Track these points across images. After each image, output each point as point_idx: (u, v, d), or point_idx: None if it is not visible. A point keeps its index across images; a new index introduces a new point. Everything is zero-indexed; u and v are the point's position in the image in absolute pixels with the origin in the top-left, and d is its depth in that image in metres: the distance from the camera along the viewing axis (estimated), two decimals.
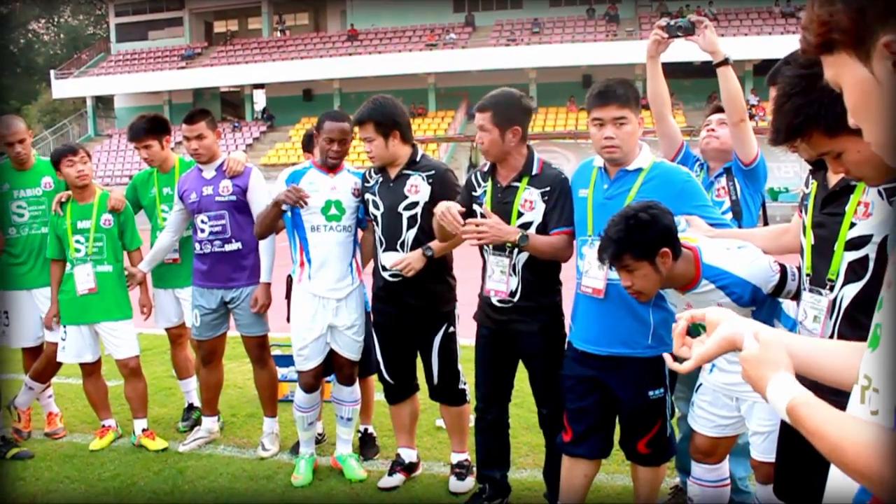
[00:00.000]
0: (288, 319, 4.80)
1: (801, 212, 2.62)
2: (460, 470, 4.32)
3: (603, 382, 3.42)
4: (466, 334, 4.23)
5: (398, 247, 4.11)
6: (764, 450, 3.01)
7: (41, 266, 5.11)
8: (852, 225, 2.31)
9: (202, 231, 4.80)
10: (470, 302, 4.06)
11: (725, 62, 3.52)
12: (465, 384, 4.31)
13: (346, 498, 4.27)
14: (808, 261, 2.50)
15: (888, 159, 1.12)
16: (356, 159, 19.46)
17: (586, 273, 3.38)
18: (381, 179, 4.20)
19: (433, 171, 4.12)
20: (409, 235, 4.09)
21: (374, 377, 4.71)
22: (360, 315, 4.44)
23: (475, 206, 3.79)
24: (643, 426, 3.43)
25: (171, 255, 5.18)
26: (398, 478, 4.39)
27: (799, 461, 2.42)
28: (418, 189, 4.08)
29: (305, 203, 4.16)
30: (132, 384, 5.05)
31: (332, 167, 4.36)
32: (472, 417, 4.24)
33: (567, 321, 3.70)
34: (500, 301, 3.73)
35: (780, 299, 2.94)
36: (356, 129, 4.22)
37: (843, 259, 2.33)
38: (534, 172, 3.65)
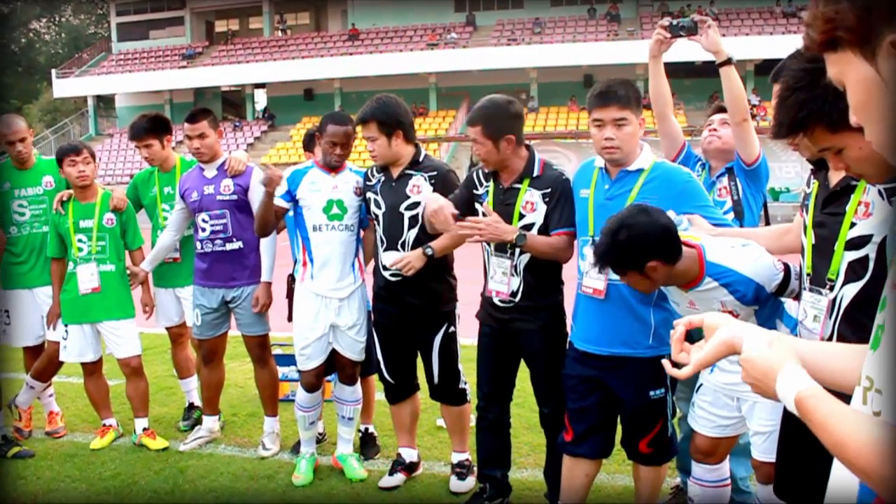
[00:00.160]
0: (289, 319, 4.81)
1: (802, 211, 2.62)
2: (461, 469, 4.32)
3: (604, 382, 3.42)
4: (467, 334, 4.24)
5: (399, 246, 4.11)
6: (765, 450, 3.01)
7: (42, 265, 5.11)
8: (852, 225, 2.31)
9: (203, 230, 4.80)
10: (471, 301, 4.06)
11: (728, 62, 3.51)
12: (465, 384, 4.31)
13: (347, 497, 4.27)
14: (809, 260, 2.50)
15: (890, 158, 1.11)
16: (356, 159, 19.46)
17: (587, 273, 3.38)
18: (383, 179, 4.20)
19: (435, 172, 4.12)
20: (411, 235, 4.09)
21: (375, 377, 4.71)
22: (363, 315, 4.44)
23: (476, 205, 3.80)
24: (644, 426, 3.44)
25: (171, 255, 5.18)
26: (399, 477, 4.39)
27: (800, 461, 2.43)
28: (420, 189, 4.08)
29: (277, 179, 4.16)
30: (133, 383, 5.06)
31: (334, 168, 4.36)
32: (473, 417, 4.24)
33: (569, 321, 3.70)
34: (501, 301, 3.73)
35: (783, 299, 2.94)
36: (359, 128, 4.21)
37: (843, 259, 2.33)
38: (535, 174, 3.65)
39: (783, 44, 24.89)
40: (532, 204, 3.62)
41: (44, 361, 5.17)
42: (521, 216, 3.63)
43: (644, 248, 2.76)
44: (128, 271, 5.02)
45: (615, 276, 3.07)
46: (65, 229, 4.87)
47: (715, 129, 3.86)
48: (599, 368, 3.40)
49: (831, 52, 1.11)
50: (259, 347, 4.94)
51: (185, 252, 5.18)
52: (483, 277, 3.89)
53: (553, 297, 3.75)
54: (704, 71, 22.44)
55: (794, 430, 1.26)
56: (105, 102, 43.82)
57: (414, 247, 4.06)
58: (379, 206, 4.17)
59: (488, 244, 3.73)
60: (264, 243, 4.75)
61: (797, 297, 2.74)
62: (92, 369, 5.06)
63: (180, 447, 4.96)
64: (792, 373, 1.30)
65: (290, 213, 4.49)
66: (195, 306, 4.91)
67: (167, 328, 5.44)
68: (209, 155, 4.82)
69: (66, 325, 4.92)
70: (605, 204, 3.30)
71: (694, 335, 1.63)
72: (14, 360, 5.71)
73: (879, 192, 2.22)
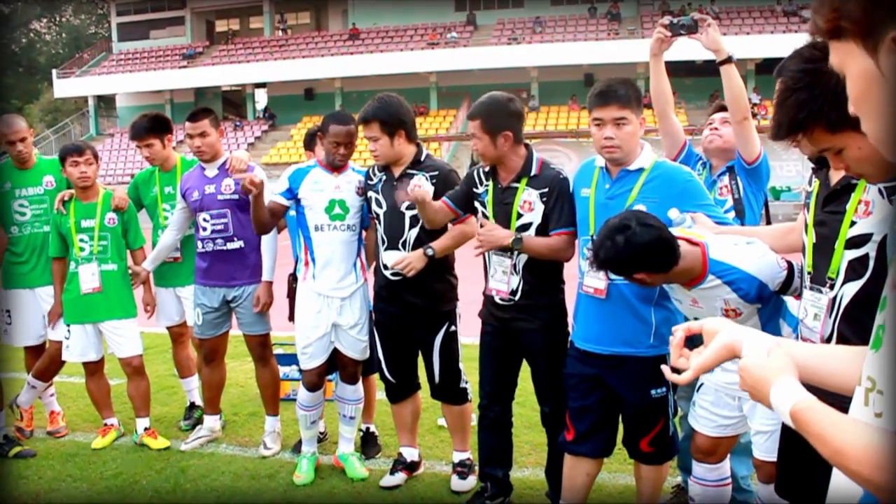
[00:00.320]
0: (290, 318, 4.81)
1: (804, 210, 2.62)
2: (462, 469, 4.32)
3: (605, 381, 3.43)
4: (468, 333, 4.24)
5: (400, 246, 4.11)
6: (766, 449, 3.00)
7: (44, 265, 5.12)
8: (853, 223, 2.30)
9: (204, 229, 4.80)
10: (472, 301, 4.06)
11: (729, 60, 3.51)
12: (466, 383, 4.31)
13: (348, 497, 4.27)
14: (809, 259, 2.50)
15: (885, 152, 1.12)
16: (357, 158, 19.45)
17: (588, 273, 3.38)
18: (384, 178, 4.20)
19: (437, 172, 4.12)
20: (412, 235, 4.09)
21: (376, 376, 4.72)
22: (365, 314, 4.44)
23: (476, 204, 3.80)
24: (645, 425, 3.44)
25: (172, 254, 5.18)
26: (400, 477, 4.39)
27: (801, 460, 2.42)
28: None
29: (252, 187, 4.13)
30: (135, 383, 5.06)
31: (337, 167, 4.36)
32: (474, 416, 4.24)
33: (570, 320, 3.70)
34: (502, 300, 3.73)
35: (785, 299, 2.94)
36: (360, 127, 4.21)
37: (843, 257, 2.33)
38: (532, 173, 3.66)
39: (784, 42, 24.85)
40: (530, 203, 3.63)
41: (45, 361, 5.17)
42: (519, 215, 3.64)
43: (626, 264, 2.80)
44: (129, 271, 5.03)
45: (616, 276, 3.08)
46: (66, 229, 4.88)
47: (716, 128, 3.85)
48: (600, 367, 3.41)
49: (835, 40, 1.11)
50: (260, 347, 4.95)
51: (185, 251, 5.18)
52: (484, 276, 3.90)
53: (554, 297, 3.76)
54: (705, 70, 22.41)
55: (796, 430, 1.26)
56: (106, 102, 43.82)
57: (415, 246, 4.06)
58: (380, 206, 4.17)
59: None
60: (265, 242, 4.75)
61: (799, 296, 2.74)
62: (94, 369, 5.06)
63: (181, 447, 4.97)
64: (786, 385, 1.30)
65: (292, 213, 4.49)
66: (196, 305, 4.91)
67: (168, 328, 5.44)
68: (210, 154, 4.82)
69: (68, 325, 4.92)
70: (606, 203, 3.31)
71: (695, 339, 1.63)
72: (15, 360, 5.72)
73: (880, 190, 2.22)
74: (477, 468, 4.22)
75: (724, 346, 1.50)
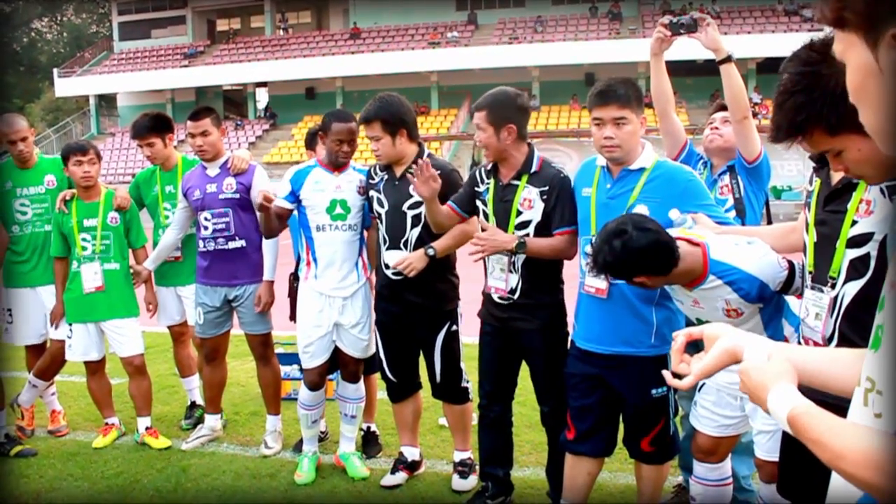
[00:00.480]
0: (291, 318, 4.81)
1: (805, 209, 2.61)
2: (463, 468, 4.32)
3: (606, 381, 3.43)
4: (469, 332, 4.24)
5: (402, 245, 4.11)
6: (768, 448, 3.00)
7: (45, 264, 5.12)
8: (854, 223, 2.30)
9: (206, 228, 4.80)
10: (473, 300, 4.06)
11: (728, 59, 3.51)
12: (467, 382, 4.31)
13: (349, 496, 4.27)
14: (811, 258, 2.50)
15: (881, 145, 1.12)
16: (358, 157, 19.46)
17: (589, 273, 3.38)
18: (386, 177, 4.20)
19: (439, 171, 4.11)
20: (413, 234, 4.09)
21: (377, 375, 4.72)
22: (367, 313, 4.44)
23: (479, 204, 3.80)
24: (646, 424, 3.44)
25: (173, 253, 5.19)
26: (401, 476, 4.39)
27: (803, 460, 2.42)
28: None
29: (269, 199, 4.18)
30: (137, 382, 5.07)
31: (339, 166, 4.36)
32: (475, 415, 4.24)
33: (570, 319, 3.70)
34: (500, 298, 3.73)
35: (787, 298, 2.94)
36: (362, 127, 4.21)
37: (844, 256, 2.33)
38: (533, 170, 3.66)
39: (785, 41, 24.77)
40: (530, 201, 3.63)
41: (46, 360, 5.18)
42: (519, 213, 3.64)
43: (625, 268, 2.80)
44: (131, 270, 5.03)
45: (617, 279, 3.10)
46: (68, 228, 4.88)
47: (717, 128, 3.85)
48: (601, 367, 3.41)
49: (839, 29, 1.12)
50: (262, 346, 4.95)
51: (186, 251, 5.19)
52: (484, 275, 3.90)
53: (553, 296, 3.75)
54: (706, 69, 22.38)
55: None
56: (107, 101, 43.86)
57: (417, 246, 4.06)
58: (382, 205, 4.17)
59: None
60: (266, 242, 4.75)
61: (801, 295, 2.74)
62: (95, 368, 5.07)
63: (182, 446, 4.97)
64: (783, 391, 1.31)
65: (295, 214, 4.49)
66: (197, 305, 4.91)
67: (169, 327, 5.45)
68: (212, 153, 4.82)
69: (70, 325, 4.93)
70: (608, 203, 3.31)
71: (696, 343, 1.64)
72: (16, 359, 5.72)
73: (881, 189, 2.22)
74: (478, 467, 4.22)
75: (725, 352, 1.51)
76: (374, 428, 4.97)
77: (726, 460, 3.37)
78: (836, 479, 1.30)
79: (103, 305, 4.91)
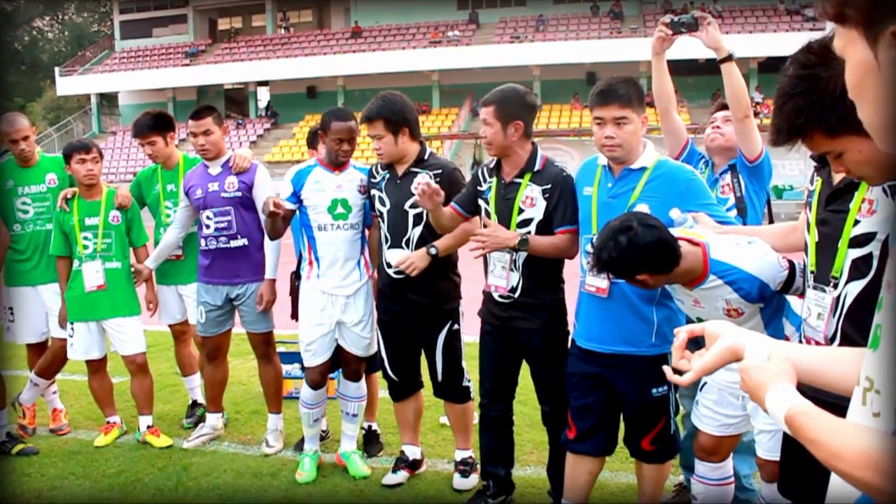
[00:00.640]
0: (292, 316, 4.81)
1: (806, 209, 2.61)
2: (464, 467, 4.33)
3: (607, 380, 3.43)
4: (471, 331, 4.24)
5: (403, 244, 4.11)
6: (770, 448, 3.00)
7: (46, 262, 5.12)
8: (856, 222, 2.30)
9: (207, 227, 4.80)
10: (474, 299, 4.06)
11: (729, 58, 3.51)
12: (469, 381, 4.31)
13: (350, 495, 4.27)
14: (812, 258, 2.50)
15: (878, 142, 1.13)
16: (360, 156, 19.45)
17: (589, 272, 3.38)
18: (387, 176, 4.20)
19: (441, 170, 4.12)
20: (415, 233, 4.09)
21: (379, 374, 4.72)
22: (368, 311, 4.44)
23: (480, 202, 3.80)
24: (647, 424, 3.44)
25: (174, 252, 5.19)
26: (402, 475, 4.39)
27: (804, 460, 2.42)
28: None
29: (279, 205, 4.13)
30: (138, 380, 5.07)
31: (339, 165, 4.36)
32: (476, 414, 4.24)
33: (570, 318, 3.70)
34: (501, 297, 3.73)
35: (788, 298, 2.94)
36: (364, 125, 4.21)
37: (846, 256, 2.33)
38: (536, 169, 3.66)
39: (787, 41, 24.84)
40: (532, 199, 3.63)
41: (48, 358, 5.18)
42: (521, 210, 3.63)
43: (629, 265, 2.79)
44: (132, 269, 5.03)
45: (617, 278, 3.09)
46: (70, 227, 4.88)
47: (718, 127, 3.85)
48: (602, 366, 3.41)
49: (840, 25, 1.13)
50: (263, 344, 4.95)
51: (187, 249, 5.19)
52: (484, 274, 3.90)
53: (553, 296, 3.75)
54: (707, 68, 22.36)
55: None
56: (108, 100, 43.87)
57: (418, 245, 4.06)
58: (383, 204, 4.17)
59: None
60: (268, 240, 4.75)
61: (802, 295, 2.74)
62: (97, 366, 5.07)
63: (184, 444, 4.97)
64: (781, 391, 1.32)
65: (297, 214, 4.49)
66: (199, 303, 4.92)
67: (170, 326, 5.45)
68: (214, 152, 4.82)
69: (72, 323, 4.93)
70: (609, 202, 3.31)
71: (698, 340, 1.64)
72: (18, 358, 5.72)
73: (884, 189, 2.22)
74: (479, 466, 4.22)
75: (726, 349, 1.51)
76: (375, 427, 4.97)
77: (728, 459, 3.37)
78: (835, 479, 1.30)
79: (105, 304, 4.91)
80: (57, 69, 41.41)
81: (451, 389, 4.29)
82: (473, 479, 4.28)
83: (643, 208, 3.15)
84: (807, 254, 2.55)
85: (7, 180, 5.14)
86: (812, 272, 2.49)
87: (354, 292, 4.38)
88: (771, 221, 3.90)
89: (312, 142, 5.15)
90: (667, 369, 1.67)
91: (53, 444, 5.08)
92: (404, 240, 4.11)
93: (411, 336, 4.28)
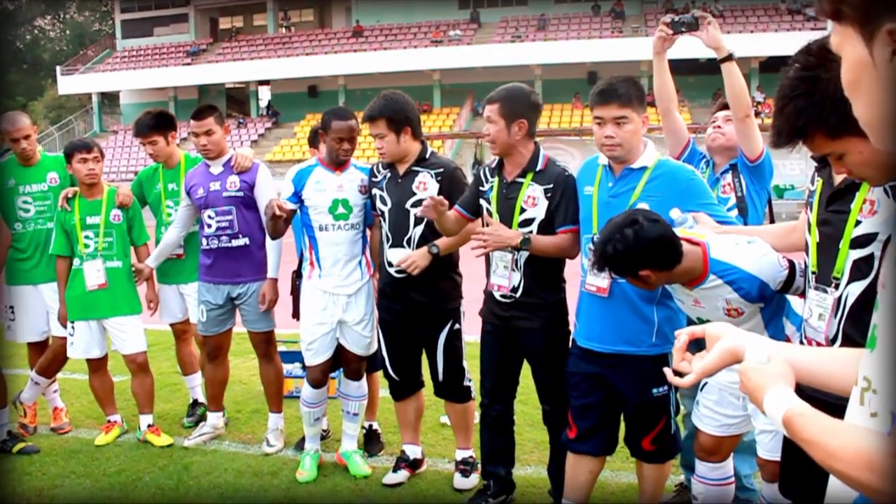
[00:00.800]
0: (293, 315, 4.81)
1: (807, 209, 2.61)
2: (465, 466, 4.33)
3: (607, 380, 3.42)
4: (472, 331, 4.23)
5: (405, 243, 4.11)
6: (770, 448, 3.00)
7: (47, 261, 5.12)
8: (857, 223, 2.30)
9: (209, 226, 4.80)
10: (476, 298, 4.06)
11: (729, 58, 3.51)
12: (470, 381, 4.31)
13: (351, 494, 4.27)
14: (814, 258, 2.50)
15: (873, 139, 1.13)
16: (360, 156, 19.45)
17: (590, 271, 3.38)
18: (389, 175, 4.20)
19: (442, 169, 4.12)
20: (416, 232, 4.09)
21: (380, 373, 4.72)
22: (370, 311, 4.44)
23: (482, 202, 3.80)
24: (647, 423, 3.43)
25: (175, 251, 5.19)
26: (403, 474, 4.39)
27: (805, 460, 2.42)
28: (426, 186, 4.08)
29: (283, 209, 4.13)
30: (139, 379, 5.07)
31: (340, 164, 4.36)
32: (477, 414, 4.24)
33: (571, 318, 3.70)
34: (502, 296, 3.73)
35: (789, 297, 2.94)
36: (366, 125, 4.21)
37: (848, 257, 2.33)
38: (538, 168, 3.65)
39: (788, 40, 24.82)
40: (534, 199, 3.62)
41: (48, 357, 5.18)
42: (522, 210, 3.63)
43: (633, 259, 2.78)
44: (133, 268, 5.03)
45: (619, 276, 3.08)
46: (71, 226, 4.88)
47: (719, 126, 3.85)
48: (602, 366, 3.41)
49: (836, 22, 1.13)
50: (265, 343, 4.95)
51: (189, 248, 5.19)
52: (486, 274, 3.90)
53: (554, 295, 3.75)
54: (709, 68, 22.34)
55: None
56: (109, 99, 43.90)
57: (420, 244, 4.06)
58: (385, 203, 4.17)
59: None
60: (270, 239, 4.75)
61: (803, 295, 2.74)
62: (97, 365, 5.07)
63: (184, 443, 4.98)
64: (779, 393, 1.32)
65: (298, 214, 4.49)
66: (200, 302, 4.92)
67: (171, 325, 5.45)
68: (216, 152, 4.82)
69: (72, 322, 4.93)
70: (609, 202, 3.31)
71: (699, 341, 1.64)
72: (19, 356, 5.72)
73: (885, 189, 2.22)
74: (479, 466, 4.22)
75: (726, 351, 1.52)
76: (375, 426, 4.97)
77: (728, 459, 3.37)
78: (834, 479, 1.30)
79: (106, 303, 4.92)
80: (58, 68, 41.43)
81: (451, 389, 4.29)
82: (474, 479, 4.28)
83: (644, 207, 3.15)
84: (808, 254, 2.55)
85: (8, 179, 5.14)
86: (813, 273, 2.49)
87: (356, 291, 4.38)
88: (772, 221, 3.90)
89: (314, 141, 5.14)
90: (667, 371, 1.67)
91: (54, 442, 5.09)
92: (406, 239, 4.11)
93: (412, 335, 4.28)
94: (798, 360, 1.43)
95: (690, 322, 3.28)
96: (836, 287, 2.37)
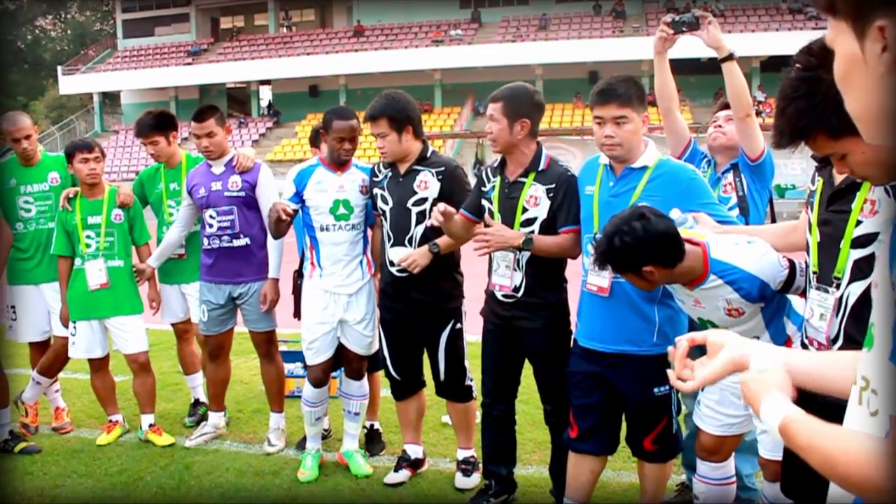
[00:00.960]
0: (295, 315, 4.81)
1: (807, 209, 2.61)
2: (466, 466, 4.33)
3: (608, 379, 3.43)
4: (473, 330, 4.24)
5: (406, 242, 4.11)
6: (772, 448, 3.00)
7: (48, 261, 5.12)
8: (858, 223, 2.30)
9: (211, 226, 4.80)
10: (477, 298, 4.06)
11: (730, 57, 3.51)
12: (471, 380, 4.31)
13: (352, 493, 4.27)
14: (815, 258, 2.50)
15: (862, 132, 1.14)
16: (362, 155, 19.44)
17: (591, 271, 3.38)
18: (390, 174, 4.20)
19: (443, 168, 4.13)
20: (418, 231, 4.10)
21: (381, 373, 4.72)
22: (371, 310, 4.45)
23: (484, 202, 3.80)
24: (649, 423, 3.43)
25: (177, 251, 5.19)
26: (404, 474, 4.39)
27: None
28: (427, 185, 4.08)
29: (289, 213, 4.14)
30: (141, 379, 5.07)
31: (341, 164, 4.36)
32: (479, 414, 4.25)
33: (573, 318, 3.70)
34: (504, 296, 3.73)
35: (790, 297, 2.94)
36: (366, 124, 4.21)
37: (849, 257, 2.33)
38: (540, 168, 3.66)
39: (789, 40, 24.81)
40: (536, 198, 3.62)
41: (50, 357, 5.19)
42: (525, 210, 3.63)
43: (640, 253, 2.77)
44: (134, 267, 5.03)
45: (621, 272, 3.08)
46: (72, 226, 4.88)
47: (720, 126, 3.85)
48: (604, 365, 3.41)
49: (831, 16, 1.14)
50: (266, 343, 4.95)
51: (190, 248, 5.19)
52: (487, 273, 3.90)
53: (556, 295, 3.75)
54: (710, 67, 22.32)
55: (807, 403, 1.28)
56: (111, 99, 43.92)
57: (421, 243, 4.07)
58: (386, 202, 4.18)
59: None
60: (271, 239, 4.75)
61: (804, 294, 2.74)
62: (99, 365, 5.08)
63: (186, 443, 4.98)
64: (775, 401, 1.33)
65: (299, 214, 4.49)
66: (202, 302, 4.92)
67: (172, 324, 5.45)
68: (218, 153, 4.81)
69: (74, 322, 4.93)
70: (610, 201, 3.31)
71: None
72: (20, 356, 5.73)
73: (886, 189, 2.21)
74: (481, 465, 4.22)
75: (731, 361, 1.52)
76: (377, 426, 4.97)
77: (730, 459, 3.37)
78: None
79: (107, 302, 4.92)
80: (59, 68, 41.46)
81: (453, 388, 4.29)
82: (475, 479, 4.28)
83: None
84: (809, 254, 2.55)
85: (9, 179, 5.14)
86: (814, 272, 2.49)
87: (357, 291, 4.38)
88: (773, 221, 3.90)
89: (315, 140, 5.15)
90: (671, 373, 1.67)
91: (56, 442, 5.09)
92: (407, 238, 4.11)
93: (414, 335, 4.28)
94: (799, 366, 1.44)
95: (691, 322, 3.29)
96: (838, 287, 2.37)
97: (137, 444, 5.01)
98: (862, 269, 2.29)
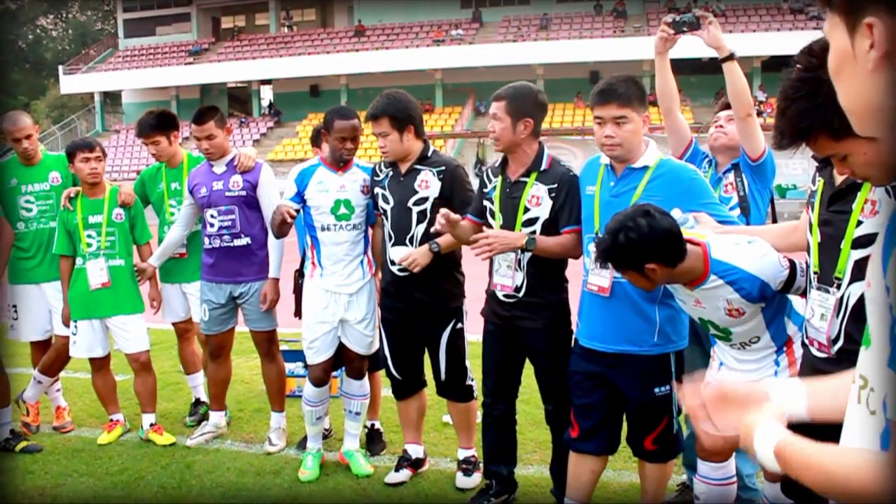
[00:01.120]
0: (295, 314, 4.82)
1: (808, 209, 2.61)
2: (467, 466, 4.33)
3: (609, 379, 3.43)
4: (474, 330, 4.24)
5: (407, 241, 4.11)
6: None
7: (49, 260, 5.13)
8: (859, 223, 2.30)
9: (212, 226, 4.81)
10: (478, 298, 4.06)
11: (731, 57, 3.51)
12: (472, 380, 4.31)
13: (353, 493, 4.28)
14: (815, 258, 2.50)
15: (853, 124, 1.16)
16: (363, 155, 19.44)
17: (592, 271, 3.38)
18: (391, 174, 4.20)
19: (444, 167, 4.13)
20: (419, 230, 4.10)
21: (382, 373, 4.72)
22: (372, 310, 4.45)
23: (485, 202, 3.80)
24: (650, 423, 3.43)
25: (178, 250, 5.19)
26: (405, 473, 4.39)
27: None
28: (428, 184, 4.09)
29: (293, 215, 4.15)
30: (142, 378, 5.08)
31: (343, 164, 4.36)
32: (479, 413, 4.25)
33: (574, 318, 3.70)
34: (505, 296, 3.73)
35: (791, 297, 2.94)
36: (367, 124, 4.21)
37: (849, 257, 2.33)
38: (542, 168, 3.66)
39: (790, 40, 24.82)
40: (538, 198, 3.62)
41: (51, 356, 5.19)
42: (526, 209, 3.63)
43: (643, 250, 2.77)
44: (135, 267, 5.04)
45: (622, 271, 3.08)
46: (73, 225, 4.89)
47: (721, 126, 3.85)
48: (605, 365, 3.41)
49: (827, 9, 1.15)
50: (267, 342, 4.96)
51: (191, 248, 5.19)
52: (489, 273, 3.90)
53: (557, 295, 3.75)
54: (711, 67, 22.32)
55: (803, 429, 1.28)
56: (112, 99, 43.93)
57: (422, 242, 4.07)
58: (387, 202, 4.18)
59: None
60: (272, 239, 4.75)
61: (804, 295, 2.74)
62: (100, 364, 5.08)
63: (187, 442, 4.98)
64: (767, 429, 1.33)
65: (300, 214, 4.49)
66: (203, 301, 4.92)
67: (173, 324, 5.46)
68: (219, 154, 4.81)
69: (75, 321, 4.94)
70: (611, 201, 3.31)
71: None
72: (21, 356, 5.73)
73: (886, 190, 2.21)
74: (482, 465, 4.23)
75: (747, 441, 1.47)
76: (378, 425, 4.97)
77: (730, 459, 3.37)
78: None
79: (108, 302, 4.92)
80: (60, 67, 41.48)
81: (454, 388, 4.29)
82: (476, 478, 4.28)
83: None
84: (809, 254, 2.55)
85: (10, 178, 5.15)
86: (815, 273, 2.49)
87: (357, 290, 4.39)
88: (774, 221, 3.90)
89: (316, 140, 5.15)
90: (696, 410, 1.63)
91: (57, 441, 5.09)
92: (408, 237, 4.11)
93: (414, 334, 4.28)
94: (814, 395, 1.45)
95: (692, 322, 3.29)
96: (838, 287, 2.37)
97: (138, 443, 5.02)
98: (863, 269, 2.27)
